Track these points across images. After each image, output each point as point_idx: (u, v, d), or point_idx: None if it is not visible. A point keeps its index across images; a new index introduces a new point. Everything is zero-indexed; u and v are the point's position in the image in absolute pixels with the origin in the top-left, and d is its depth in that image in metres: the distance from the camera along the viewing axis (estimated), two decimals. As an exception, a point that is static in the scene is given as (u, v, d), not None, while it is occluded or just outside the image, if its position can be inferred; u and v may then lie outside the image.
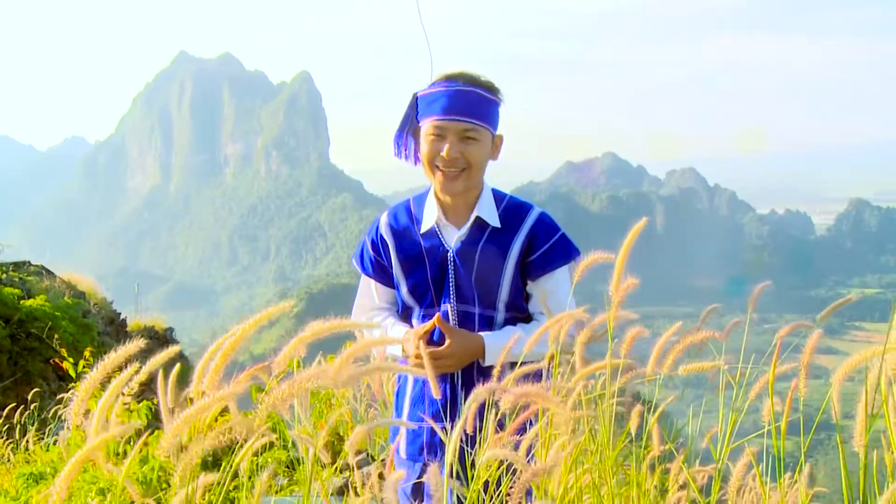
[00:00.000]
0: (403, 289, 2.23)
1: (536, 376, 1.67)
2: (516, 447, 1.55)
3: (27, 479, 3.38)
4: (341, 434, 3.63)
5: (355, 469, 1.78)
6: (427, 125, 2.11)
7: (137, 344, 1.18)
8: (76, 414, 1.19)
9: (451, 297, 2.18)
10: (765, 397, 1.51)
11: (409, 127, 2.20)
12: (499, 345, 2.01)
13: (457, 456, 1.27)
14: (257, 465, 3.11)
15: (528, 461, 1.57)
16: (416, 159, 2.22)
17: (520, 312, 2.21)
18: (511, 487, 1.26)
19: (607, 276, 1.67)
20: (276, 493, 3.02)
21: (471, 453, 1.52)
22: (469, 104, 2.08)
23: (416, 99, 2.15)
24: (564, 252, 2.16)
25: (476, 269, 2.15)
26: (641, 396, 1.96)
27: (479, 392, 1.42)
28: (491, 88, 2.12)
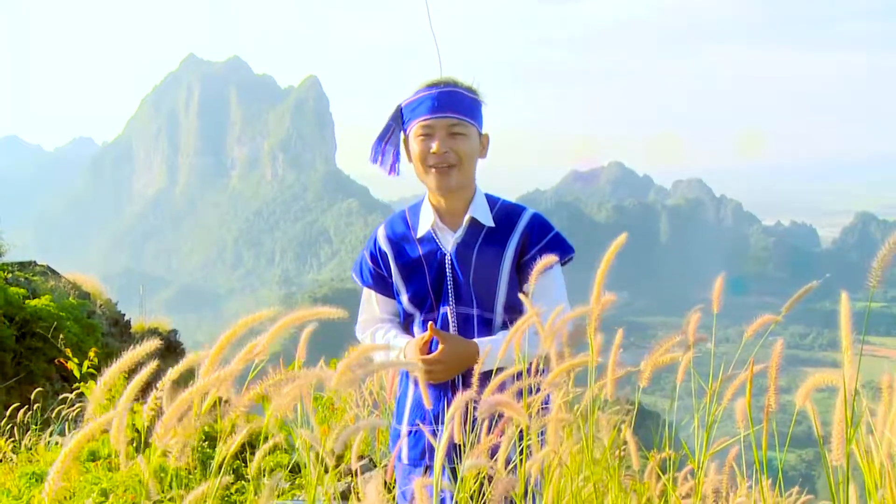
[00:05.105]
0: (404, 297, 2.24)
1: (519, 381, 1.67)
2: (494, 453, 1.56)
3: (29, 478, 3.39)
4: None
5: (358, 474, 1.78)
6: (415, 127, 2.14)
7: (153, 345, 1.19)
8: (94, 415, 1.19)
9: (450, 300, 2.18)
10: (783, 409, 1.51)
11: (389, 136, 2.24)
12: (494, 348, 1.99)
13: (446, 462, 1.27)
14: (262, 468, 3.12)
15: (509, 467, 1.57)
16: (392, 168, 2.26)
17: (519, 314, 2.20)
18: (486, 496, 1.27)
19: (610, 285, 1.68)
20: (279, 496, 3.02)
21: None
22: (454, 102, 2.12)
23: (399, 109, 2.20)
24: (559, 250, 2.17)
25: (473, 270, 2.16)
26: (637, 405, 1.96)
27: (458, 401, 1.42)
28: (472, 90, 2.17)
